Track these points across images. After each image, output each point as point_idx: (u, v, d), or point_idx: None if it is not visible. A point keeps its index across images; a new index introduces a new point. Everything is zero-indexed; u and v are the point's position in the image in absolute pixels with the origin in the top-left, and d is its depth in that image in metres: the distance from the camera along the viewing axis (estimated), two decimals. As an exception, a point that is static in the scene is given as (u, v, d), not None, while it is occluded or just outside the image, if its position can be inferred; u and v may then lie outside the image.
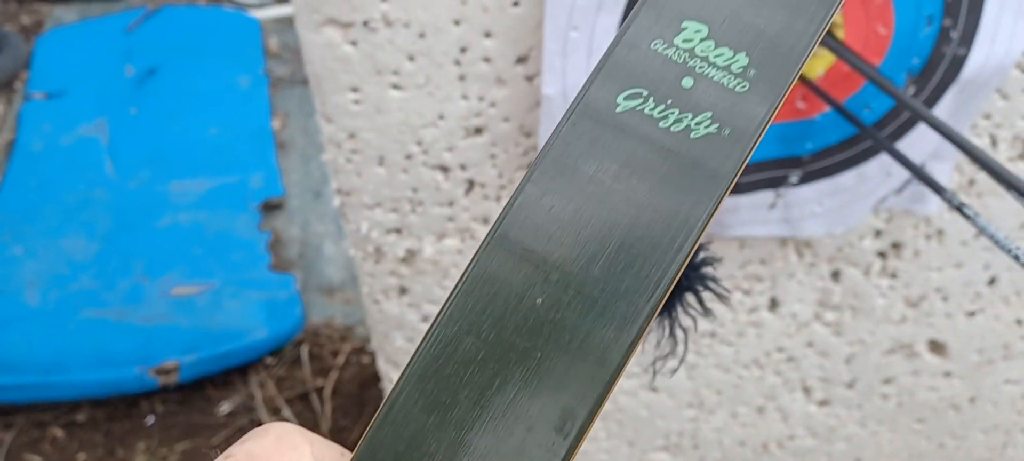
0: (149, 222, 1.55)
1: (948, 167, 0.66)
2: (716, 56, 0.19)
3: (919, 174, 0.44)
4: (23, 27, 2.09)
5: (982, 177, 0.66)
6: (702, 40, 0.20)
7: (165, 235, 1.52)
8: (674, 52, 0.19)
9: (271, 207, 1.58)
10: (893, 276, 0.72)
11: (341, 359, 1.32)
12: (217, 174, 1.63)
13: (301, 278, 1.45)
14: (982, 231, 0.39)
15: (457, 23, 0.52)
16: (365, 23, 0.51)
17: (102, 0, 2.16)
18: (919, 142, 0.62)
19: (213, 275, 1.42)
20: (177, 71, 1.90)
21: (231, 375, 1.32)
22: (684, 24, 0.20)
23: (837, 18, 0.56)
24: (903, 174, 0.65)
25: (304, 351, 1.34)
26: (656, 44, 0.19)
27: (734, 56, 0.19)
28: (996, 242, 0.39)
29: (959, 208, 0.41)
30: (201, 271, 1.43)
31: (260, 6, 2.12)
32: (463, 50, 0.53)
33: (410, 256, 0.64)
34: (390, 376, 0.74)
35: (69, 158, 1.70)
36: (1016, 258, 0.38)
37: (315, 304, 1.42)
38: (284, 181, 1.64)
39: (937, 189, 0.42)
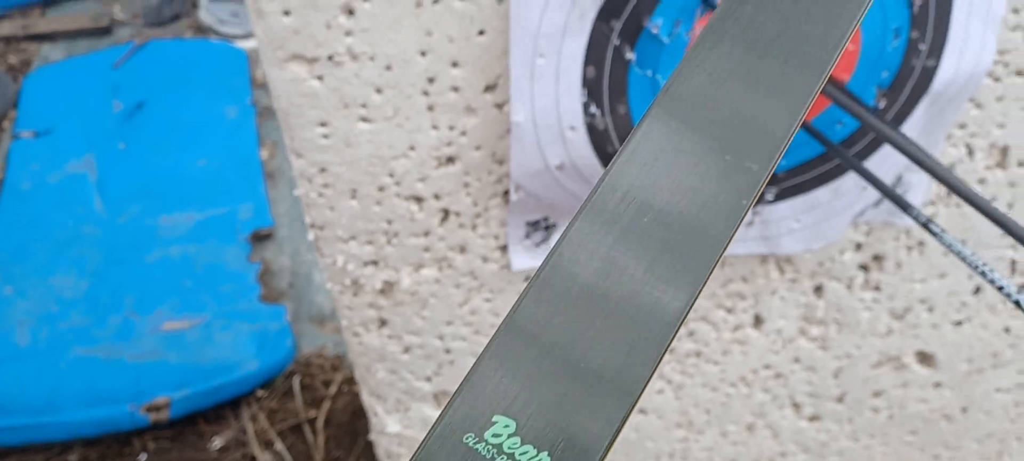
0: (139, 257, 1.55)
1: (925, 177, 0.65)
2: (521, 453, 0.20)
3: (887, 192, 0.44)
4: (10, 66, 2.10)
5: (960, 187, 0.66)
6: (510, 436, 0.20)
7: (155, 269, 1.52)
8: (484, 447, 0.20)
9: (260, 237, 1.58)
10: (876, 289, 0.72)
11: (333, 389, 1.31)
12: (206, 206, 1.63)
13: (292, 308, 1.45)
14: (949, 248, 0.39)
15: (423, 54, 0.52)
16: (330, 57, 0.51)
17: (89, 37, 2.16)
18: (894, 154, 0.62)
19: (203, 309, 1.42)
20: (165, 104, 1.90)
21: (223, 409, 1.32)
22: (494, 418, 0.20)
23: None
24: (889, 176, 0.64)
25: (296, 382, 1.33)
26: (468, 437, 0.20)
27: (537, 455, 0.20)
28: (963, 258, 0.38)
29: (926, 225, 0.41)
30: (191, 305, 1.43)
31: (246, 37, 2.13)
32: (431, 80, 0.53)
33: (388, 287, 0.64)
34: (375, 409, 0.74)
35: (58, 196, 1.70)
36: (983, 275, 0.38)
37: (306, 334, 1.42)
38: (273, 211, 1.64)
39: (904, 207, 0.42)
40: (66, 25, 2.16)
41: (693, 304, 0.22)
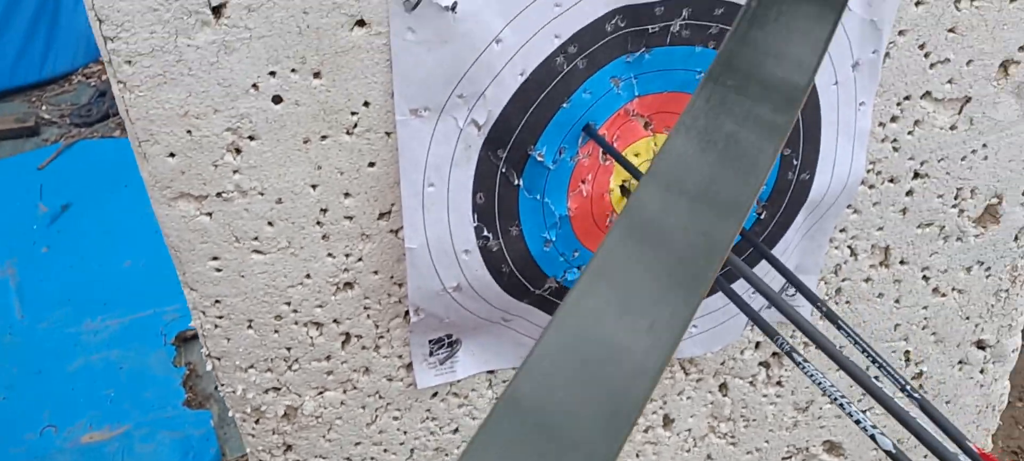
0: (59, 366, 1.50)
1: (813, 279, 0.68)
2: None
3: (754, 318, 0.46)
4: (-71, 170, 2.05)
5: (847, 286, 0.69)
6: None
7: (76, 378, 1.47)
8: None
9: (186, 339, 1.55)
10: (779, 384, 0.73)
11: (261, 497, 1.27)
12: (131, 310, 1.59)
13: (217, 411, 1.41)
14: (810, 377, 0.41)
15: (314, 187, 0.53)
16: (219, 194, 0.51)
17: (14, 138, 2.13)
18: (783, 257, 0.65)
19: (125, 418, 1.37)
20: (91, 205, 1.87)
21: (145, 524, 1.26)
22: None
23: (684, 154, 0.58)
24: (772, 288, 0.67)
25: (222, 492, 1.29)
26: None
27: None
28: (823, 390, 0.40)
29: (789, 354, 0.42)
30: (113, 415, 1.38)
31: (177, 133, 2.12)
32: (324, 211, 0.54)
33: (291, 412, 0.63)
34: (285, 531, 0.72)
35: (-24, 304, 1.64)
36: (842, 407, 0.39)
37: (233, 438, 1.38)
38: (201, 311, 1.61)
39: (771, 334, 0.44)
40: (-10, 126, 2.13)
41: None
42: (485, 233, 0.56)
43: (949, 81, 0.60)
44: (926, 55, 0.58)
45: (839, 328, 0.46)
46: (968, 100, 0.61)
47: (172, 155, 0.50)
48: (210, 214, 0.52)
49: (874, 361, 0.44)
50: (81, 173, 1.98)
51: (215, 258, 0.54)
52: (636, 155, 0.57)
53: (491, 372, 0.67)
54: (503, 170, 0.54)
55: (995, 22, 0.57)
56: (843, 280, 0.69)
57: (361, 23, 0.48)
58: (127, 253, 1.73)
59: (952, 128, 0.62)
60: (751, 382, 0.73)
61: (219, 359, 0.59)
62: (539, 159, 0.54)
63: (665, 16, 0.51)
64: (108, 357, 1.51)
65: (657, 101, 0.55)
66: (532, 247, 0.57)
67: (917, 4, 0.56)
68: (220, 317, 0.57)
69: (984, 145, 0.64)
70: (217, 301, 0.56)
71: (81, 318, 1.59)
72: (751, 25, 0.22)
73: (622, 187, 0.57)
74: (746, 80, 0.22)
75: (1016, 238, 0.70)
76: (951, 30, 0.57)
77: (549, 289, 0.60)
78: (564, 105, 0.53)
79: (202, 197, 0.51)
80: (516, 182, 0.55)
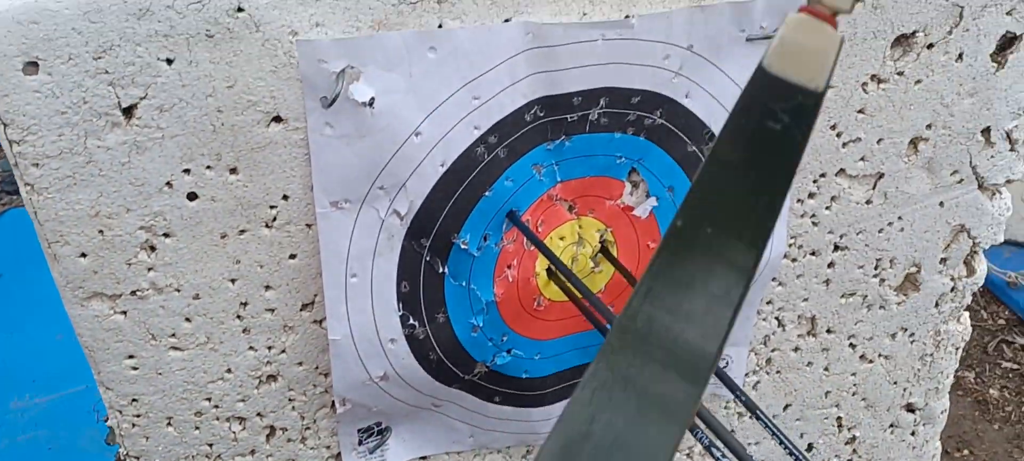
0: (-17, 449, 1.43)
1: (744, 350, 0.69)
2: None
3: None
4: None
5: (777, 356, 0.70)
6: None
7: (1, 462, 1.40)
8: None
9: (122, 416, 1.49)
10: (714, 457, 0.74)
11: None
12: (61, 386, 1.53)
13: (154, 493, 1.36)
14: (726, 466, 0.41)
15: (233, 281, 0.52)
16: (133, 292, 0.50)
17: (-59, 207, 2.06)
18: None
19: (53, 503, 1.31)
20: (22, 276, 1.81)
21: None
22: None
23: (609, 236, 0.59)
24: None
25: None
26: None
27: None
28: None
29: (709, 448, 0.43)
30: (40, 500, 1.32)
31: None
32: (244, 304, 0.53)
33: (215, 509, 0.61)
34: None
35: None
36: (755, 495, 0.39)
37: (170, 520, 1.33)
38: (137, 385, 1.55)
39: (690, 428, 0.44)
40: (-85, 196, 2.05)
41: None
42: (411, 321, 0.56)
43: (862, 159, 0.62)
44: (838, 135, 0.60)
45: (758, 418, 0.47)
46: (881, 176, 0.63)
47: (83, 255, 0.48)
48: (125, 313, 0.51)
49: (791, 453, 0.44)
50: (13, 242, 1.91)
51: (131, 357, 0.52)
52: (561, 239, 0.57)
53: (424, 458, 0.65)
54: (427, 258, 0.54)
55: (901, 103, 0.60)
56: (773, 350, 0.69)
57: (278, 119, 0.47)
58: (59, 326, 1.67)
59: (868, 202, 0.64)
60: (688, 455, 0.73)
61: (138, 459, 0.57)
62: (463, 247, 0.54)
63: (583, 105, 0.52)
64: (36, 437, 1.44)
65: (580, 185, 0.56)
66: (460, 333, 0.57)
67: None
68: (138, 416, 0.55)
69: (900, 217, 0.66)
70: (134, 399, 0.54)
71: (8, 396, 1.53)
72: (657, 279, 0.21)
73: (548, 271, 0.57)
74: (650, 346, 0.20)
75: (937, 304, 0.72)
76: (860, 111, 0.59)
77: (479, 374, 0.60)
78: (487, 193, 0.53)
79: (116, 296, 0.50)
80: (441, 270, 0.55)
